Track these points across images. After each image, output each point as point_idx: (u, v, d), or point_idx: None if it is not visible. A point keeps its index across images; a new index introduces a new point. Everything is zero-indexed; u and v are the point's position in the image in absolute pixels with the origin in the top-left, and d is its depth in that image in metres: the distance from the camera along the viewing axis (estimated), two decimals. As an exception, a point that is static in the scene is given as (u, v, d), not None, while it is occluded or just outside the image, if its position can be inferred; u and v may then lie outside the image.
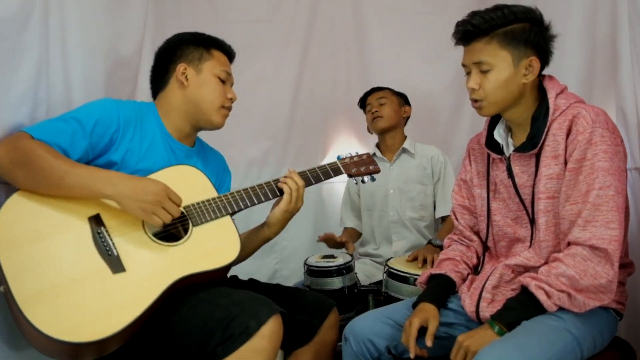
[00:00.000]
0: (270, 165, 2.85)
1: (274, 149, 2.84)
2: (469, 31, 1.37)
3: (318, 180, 1.65)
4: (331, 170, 1.68)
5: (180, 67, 1.59)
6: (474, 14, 1.37)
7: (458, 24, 1.40)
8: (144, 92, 2.10)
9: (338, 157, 1.74)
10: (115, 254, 1.33)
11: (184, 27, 2.59)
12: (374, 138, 2.88)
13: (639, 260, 1.47)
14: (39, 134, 1.34)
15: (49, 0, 1.51)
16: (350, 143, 2.93)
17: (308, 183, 1.62)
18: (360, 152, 1.78)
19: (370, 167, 1.74)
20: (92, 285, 1.27)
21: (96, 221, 1.35)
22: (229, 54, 1.69)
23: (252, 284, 1.69)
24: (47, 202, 1.32)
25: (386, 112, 2.39)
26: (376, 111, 2.39)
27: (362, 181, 1.74)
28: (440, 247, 2.16)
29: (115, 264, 1.31)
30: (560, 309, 1.26)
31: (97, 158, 1.45)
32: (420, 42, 2.81)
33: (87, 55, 1.68)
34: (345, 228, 2.54)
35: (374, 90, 2.48)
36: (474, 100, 1.41)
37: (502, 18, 1.34)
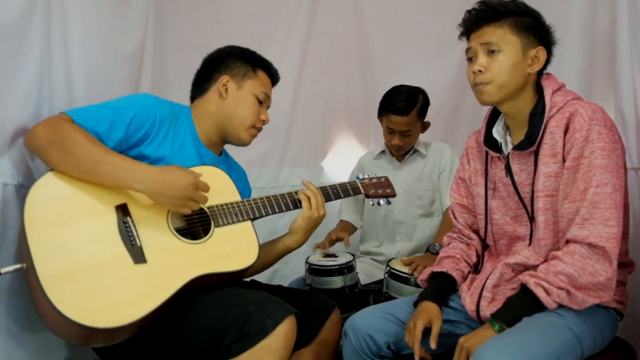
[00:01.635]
0: (270, 165, 2.85)
1: (274, 149, 2.84)
2: (483, 13, 1.39)
3: (338, 196, 1.72)
4: (351, 189, 1.75)
5: (223, 79, 1.63)
6: (486, 1, 1.41)
7: (469, 11, 1.42)
8: (144, 91, 2.10)
9: (357, 178, 1.82)
10: (139, 244, 1.35)
11: (184, 27, 2.61)
12: (373, 139, 2.87)
13: (639, 260, 1.47)
14: (79, 118, 1.38)
15: (50, 1, 1.52)
16: (350, 143, 2.93)
17: (328, 198, 1.68)
18: (378, 175, 1.86)
19: (387, 191, 1.82)
20: (113, 272, 1.29)
21: (123, 210, 1.38)
22: (274, 77, 1.73)
23: (254, 285, 1.69)
24: (78, 186, 1.34)
25: (410, 142, 2.31)
26: (400, 145, 2.28)
27: (379, 203, 1.81)
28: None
29: (138, 255, 1.34)
30: (561, 306, 1.26)
31: (129, 149, 1.48)
32: (420, 42, 2.80)
33: (89, 54, 1.68)
34: (340, 220, 2.53)
35: (399, 110, 2.19)
36: (476, 85, 1.40)
37: (515, 7, 1.39)
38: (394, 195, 1.83)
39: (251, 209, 1.55)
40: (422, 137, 2.45)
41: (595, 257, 1.24)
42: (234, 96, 1.63)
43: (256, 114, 1.66)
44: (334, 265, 2.03)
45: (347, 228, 2.47)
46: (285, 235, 1.65)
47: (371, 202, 1.81)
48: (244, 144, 1.69)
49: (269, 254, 1.65)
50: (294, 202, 1.63)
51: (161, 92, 2.14)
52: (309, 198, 1.60)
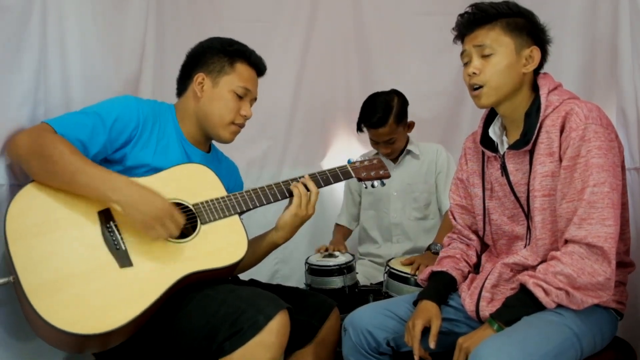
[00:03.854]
0: (270, 165, 2.85)
1: (274, 149, 2.84)
2: (475, 16, 1.40)
3: (328, 182, 1.66)
4: (341, 174, 1.69)
5: (198, 77, 1.59)
6: (478, 4, 1.41)
7: (461, 14, 1.43)
8: (144, 92, 2.10)
9: (348, 161, 1.76)
10: (124, 248, 1.34)
11: (184, 27, 2.61)
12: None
13: (639, 260, 1.47)
14: (60, 127, 1.37)
15: (47, 2, 1.51)
16: (350, 143, 2.93)
17: (318, 185, 1.63)
18: (370, 157, 1.81)
19: (381, 172, 1.76)
20: (99, 278, 1.28)
21: (106, 215, 1.36)
22: (257, 67, 1.65)
23: (253, 284, 1.69)
24: (59, 196, 1.34)
25: (397, 147, 2.31)
26: (388, 152, 2.29)
27: (372, 185, 1.76)
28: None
29: (123, 259, 1.33)
30: (560, 305, 1.26)
31: (114, 152, 1.47)
32: (420, 42, 2.81)
33: (87, 56, 1.68)
34: (336, 225, 2.52)
35: (375, 123, 2.20)
36: (473, 88, 1.40)
37: (507, 9, 1.39)
38: (388, 177, 1.78)
39: (237, 202, 1.52)
40: (418, 138, 2.44)
41: (593, 257, 1.24)
42: (209, 95, 1.58)
43: (234, 111, 1.59)
44: (333, 266, 2.03)
45: (343, 236, 2.47)
46: (271, 231, 1.62)
47: (364, 185, 1.77)
48: (225, 141, 1.63)
49: (256, 251, 1.63)
50: (283, 193, 1.58)
51: (161, 92, 2.14)
52: (301, 195, 1.56)
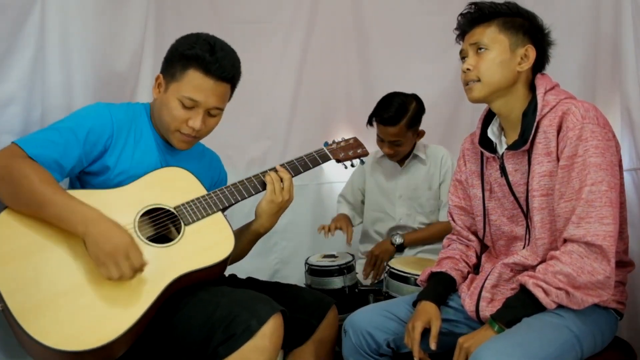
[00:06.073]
0: (270, 165, 2.80)
1: (274, 149, 2.84)
2: (473, 15, 1.42)
3: (307, 168, 1.64)
4: (318, 157, 1.67)
5: (158, 78, 1.52)
6: (477, 3, 1.43)
7: (461, 14, 1.45)
8: (144, 92, 2.10)
9: (325, 144, 1.74)
10: None
11: (184, 28, 2.58)
12: (373, 139, 2.86)
13: (639, 260, 1.47)
14: (31, 147, 1.33)
15: (48, 1, 1.51)
16: (351, 143, 2.93)
17: (296, 172, 1.61)
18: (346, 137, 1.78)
19: (358, 151, 1.75)
20: (88, 292, 1.27)
21: None
22: (217, 76, 1.46)
23: (251, 282, 1.69)
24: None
25: (401, 151, 2.29)
26: (390, 153, 2.27)
27: (352, 165, 1.75)
28: (397, 247, 2.17)
29: None
30: (560, 306, 1.26)
31: (91, 164, 1.45)
32: (419, 42, 2.80)
33: (87, 58, 1.68)
34: (338, 214, 2.50)
35: (385, 120, 2.19)
36: (466, 83, 1.41)
37: (506, 9, 1.40)
38: (366, 154, 1.77)
39: (219, 199, 1.50)
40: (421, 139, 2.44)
41: (593, 256, 1.24)
42: (160, 98, 1.51)
43: (179, 119, 1.47)
44: (333, 266, 2.03)
45: (347, 218, 2.46)
46: (252, 221, 1.61)
47: (344, 166, 1.75)
48: (176, 148, 1.55)
49: (241, 242, 1.60)
50: (262, 184, 1.56)
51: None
52: (273, 181, 1.55)
